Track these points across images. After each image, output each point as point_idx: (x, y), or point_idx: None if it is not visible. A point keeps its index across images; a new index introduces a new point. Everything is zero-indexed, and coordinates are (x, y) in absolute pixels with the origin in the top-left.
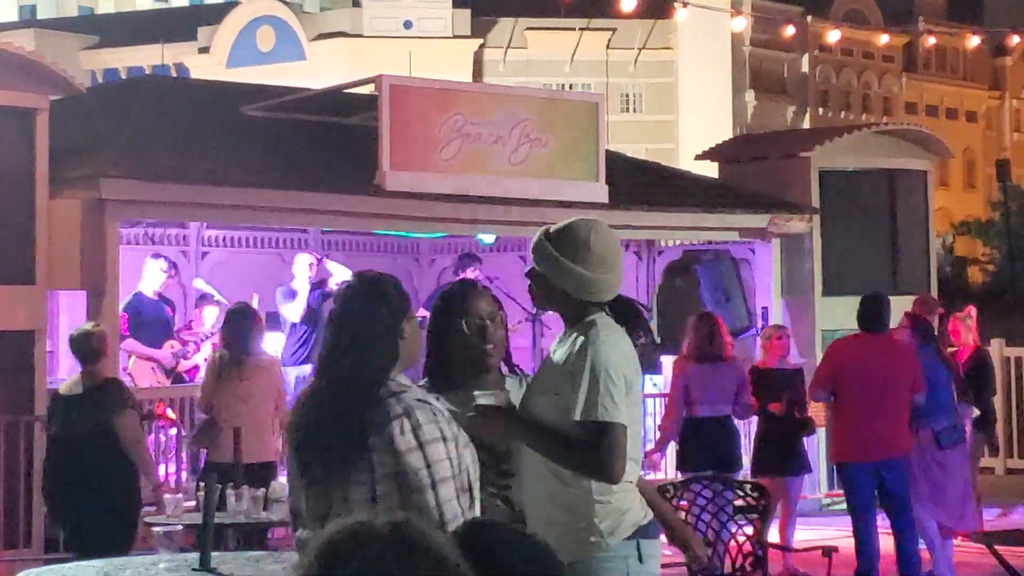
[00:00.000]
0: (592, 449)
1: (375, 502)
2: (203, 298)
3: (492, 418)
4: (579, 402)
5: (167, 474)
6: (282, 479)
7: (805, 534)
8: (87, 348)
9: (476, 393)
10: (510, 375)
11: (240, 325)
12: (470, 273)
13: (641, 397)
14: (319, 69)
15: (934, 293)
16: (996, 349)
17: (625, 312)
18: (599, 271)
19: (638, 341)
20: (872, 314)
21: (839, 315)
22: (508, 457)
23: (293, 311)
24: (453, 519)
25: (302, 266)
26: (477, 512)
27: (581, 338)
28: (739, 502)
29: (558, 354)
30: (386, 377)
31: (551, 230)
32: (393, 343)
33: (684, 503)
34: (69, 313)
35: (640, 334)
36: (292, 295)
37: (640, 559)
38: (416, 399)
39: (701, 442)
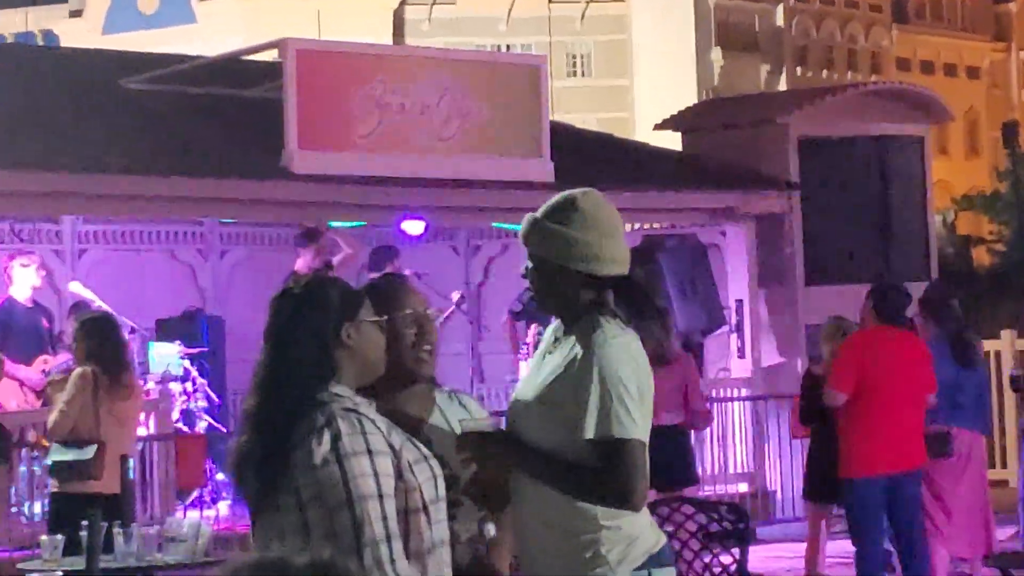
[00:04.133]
0: (608, 471)
1: (307, 530)
2: (77, 306)
3: (480, 445)
4: (589, 418)
5: (44, 510)
6: (184, 515)
7: (790, 562)
8: None
9: (461, 420)
10: (438, 388)
11: (109, 335)
12: (389, 269)
13: (652, 407)
14: (212, 33)
15: (935, 277)
16: (1007, 342)
17: (637, 300)
18: (592, 234)
19: (653, 336)
20: (895, 305)
21: (826, 307)
22: (454, 484)
23: None
24: (372, 543)
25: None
26: (440, 535)
27: (584, 342)
28: (715, 527)
29: (555, 357)
30: (319, 390)
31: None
32: (327, 353)
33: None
34: None
35: (656, 328)
36: None
37: None
38: (343, 408)
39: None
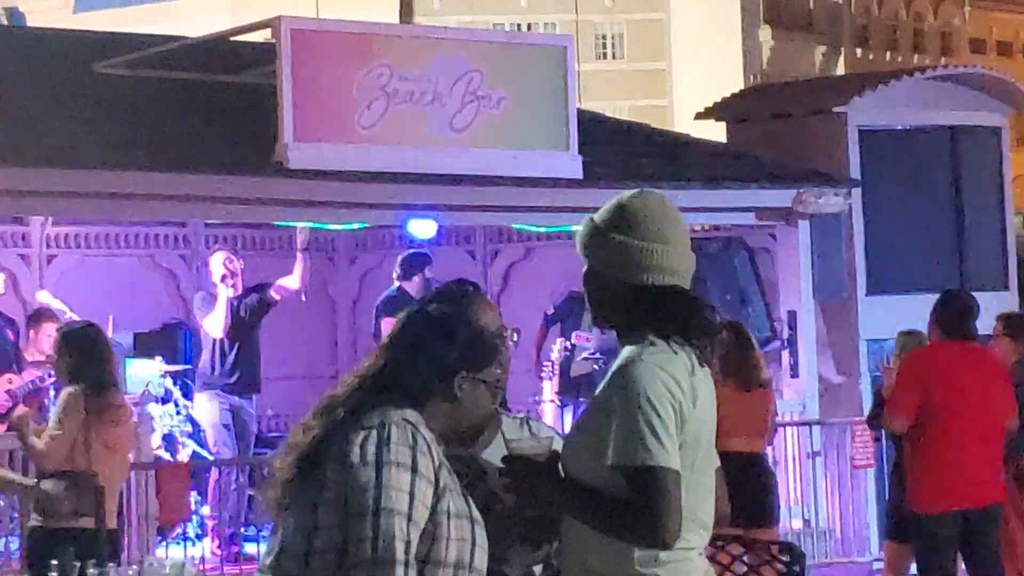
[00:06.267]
0: (633, 505)
1: (314, 531)
2: (38, 313)
3: (521, 473)
4: (612, 442)
5: (7, 551)
6: (165, 554)
7: None
8: None
9: (511, 441)
10: (507, 414)
11: (97, 350)
12: (419, 279)
13: (711, 439)
14: (197, 11)
15: (1014, 289)
16: None
17: (686, 316)
18: (644, 239)
19: (708, 358)
20: (960, 316)
21: (888, 320)
22: (511, 518)
23: (214, 323)
24: (388, 562)
25: (217, 267)
26: None
27: (622, 358)
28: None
29: (602, 381)
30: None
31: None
32: (429, 389)
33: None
34: None
35: (709, 348)
36: (212, 302)
37: None
38: (403, 418)
39: (731, 486)
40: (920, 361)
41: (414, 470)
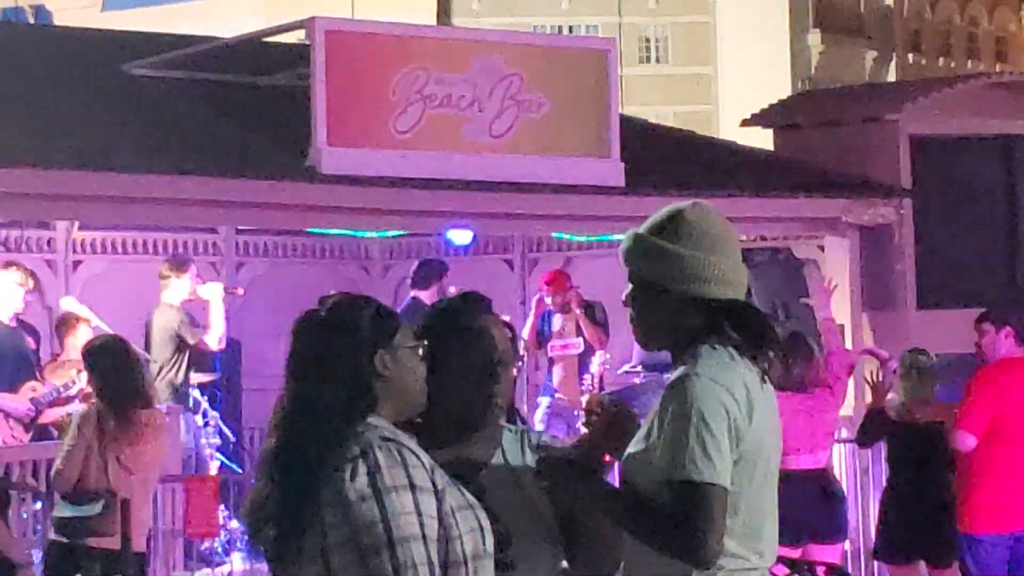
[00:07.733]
0: (675, 517)
1: None
2: (64, 320)
3: (560, 475)
4: (662, 457)
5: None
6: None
7: None
8: None
9: (545, 440)
10: (508, 426)
11: (117, 363)
12: (435, 289)
13: (773, 454)
14: (229, 11)
15: None
16: None
17: (751, 329)
18: (700, 250)
19: (770, 370)
20: None
21: (941, 334)
22: (507, 542)
23: (215, 335)
24: None
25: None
26: None
27: (677, 372)
28: None
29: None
30: (352, 425)
31: (641, 226)
32: (362, 383)
33: None
34: None
35: (772, 359)
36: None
37: None
38: (381, 436)
39: (796, 506)
40: (997, 377)
41: (413, 487)
